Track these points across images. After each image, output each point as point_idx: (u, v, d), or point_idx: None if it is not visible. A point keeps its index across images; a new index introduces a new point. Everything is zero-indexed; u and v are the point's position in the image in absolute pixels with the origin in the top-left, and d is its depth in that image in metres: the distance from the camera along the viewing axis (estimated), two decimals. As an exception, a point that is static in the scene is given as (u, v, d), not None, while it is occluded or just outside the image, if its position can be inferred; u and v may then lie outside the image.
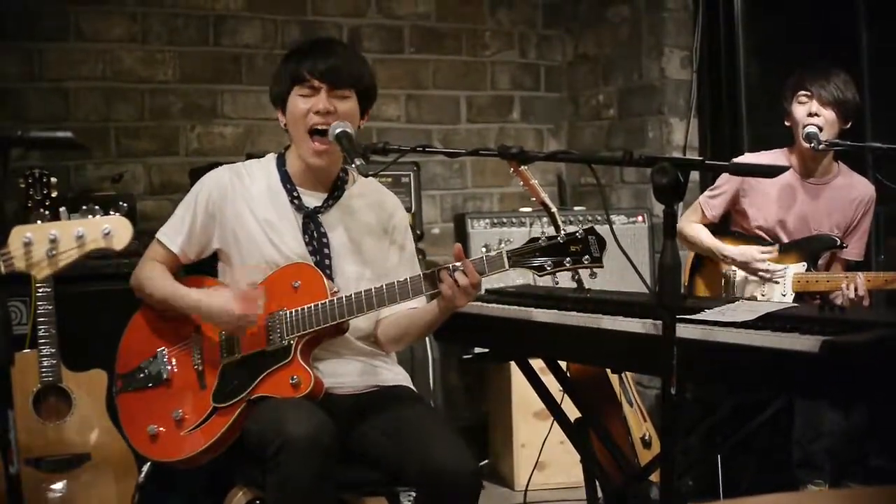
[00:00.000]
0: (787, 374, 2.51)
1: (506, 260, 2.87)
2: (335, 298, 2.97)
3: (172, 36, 5.16)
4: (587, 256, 2.83)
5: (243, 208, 3.15)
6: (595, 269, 2.88)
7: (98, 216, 2.51)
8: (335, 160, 3.17)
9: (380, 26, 5.65)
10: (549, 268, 2.85)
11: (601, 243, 2.84)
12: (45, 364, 3.59)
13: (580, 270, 2.93)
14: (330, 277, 3.09)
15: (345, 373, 3.14)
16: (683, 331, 2.60)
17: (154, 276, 3.17)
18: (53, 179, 3.53)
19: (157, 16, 5.13)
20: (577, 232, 2.85)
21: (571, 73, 6.10)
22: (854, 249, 4.29)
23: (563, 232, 2.88)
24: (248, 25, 5.33)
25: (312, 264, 3.09)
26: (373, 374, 3.20)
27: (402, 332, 3.21)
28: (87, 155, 4.95)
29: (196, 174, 3.32)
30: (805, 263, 4.16)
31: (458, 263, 2.89)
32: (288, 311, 3.00)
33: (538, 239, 2.87)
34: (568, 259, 2.84)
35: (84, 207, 2.50)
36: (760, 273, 4.16)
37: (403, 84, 5.71)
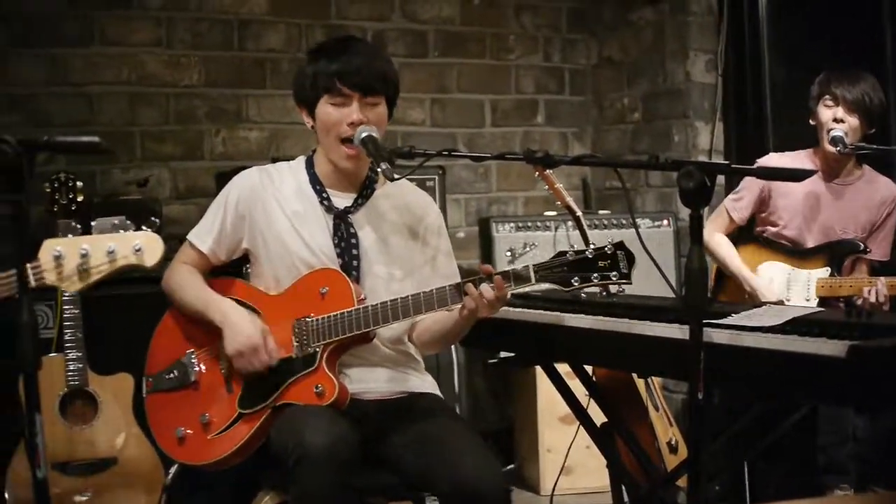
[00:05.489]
0: (813, 379, 2.49)
1: (532, 274, 2.83)
2: (361, 307, 2.94)
3: (196, 40, 5.19)
4: (615, 273, 2.78)
5: (274, 207, 3.13)
6: (623, 286, 2.86)
7: (130, 231, 2.52)
8: (365, 162, 3.14)
9: (404, 30, 5.66)
10: (576, 283, 2.80)
11: (630, 259, 2.78)
12: (71, 368, 3.60)
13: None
14: (357, 279, 3.07)
15: (372, 379, 3.12)
16: (710, 335, 2.58)
17: (185, 285, 3.14)
18: (79, 184, 3.57)
19: (180, 20, 5.15)
20: (605, 247, 2.79)
21: (596, 77, 6.10)
22: (879, 250, 4.24)
23: (591, 246, 2.81)
24: (273, 29, 5.35)
25: (340, 269, 3.06)
26: (401, 381, 3.18)
27: (434, 338, 3.19)
28: (113, 159, 4.97)
29: (222, 178, 3.32)
30: (829, 268, 4.13)
31: (484, 276, 2.87)
32: (314, 319, 2.98)
33: (566, 253, 2.82)
34: (595, 275, 2.79)
35: (115, 222, 2.50)
36: None
37: (428, 88, 5.72)
